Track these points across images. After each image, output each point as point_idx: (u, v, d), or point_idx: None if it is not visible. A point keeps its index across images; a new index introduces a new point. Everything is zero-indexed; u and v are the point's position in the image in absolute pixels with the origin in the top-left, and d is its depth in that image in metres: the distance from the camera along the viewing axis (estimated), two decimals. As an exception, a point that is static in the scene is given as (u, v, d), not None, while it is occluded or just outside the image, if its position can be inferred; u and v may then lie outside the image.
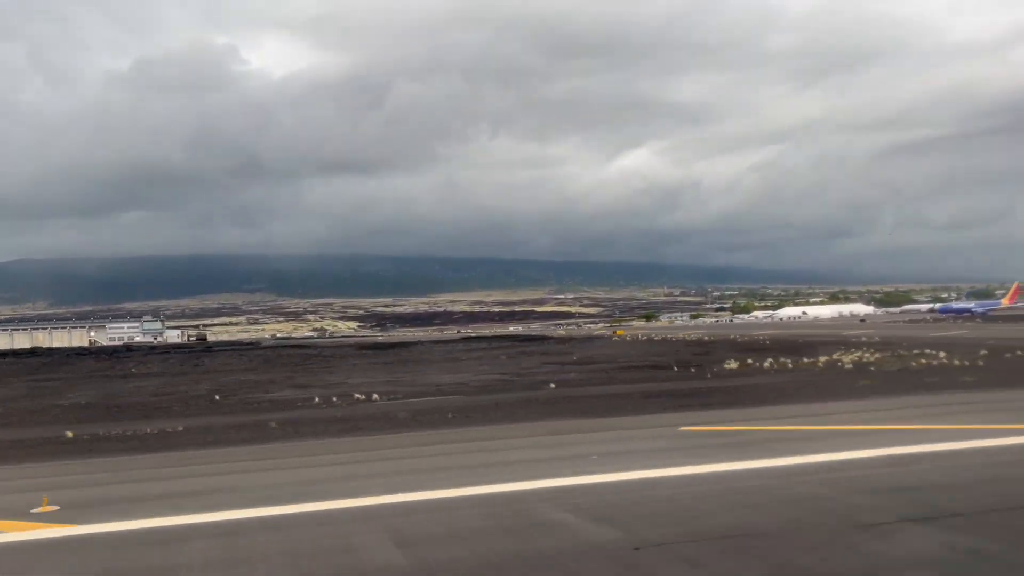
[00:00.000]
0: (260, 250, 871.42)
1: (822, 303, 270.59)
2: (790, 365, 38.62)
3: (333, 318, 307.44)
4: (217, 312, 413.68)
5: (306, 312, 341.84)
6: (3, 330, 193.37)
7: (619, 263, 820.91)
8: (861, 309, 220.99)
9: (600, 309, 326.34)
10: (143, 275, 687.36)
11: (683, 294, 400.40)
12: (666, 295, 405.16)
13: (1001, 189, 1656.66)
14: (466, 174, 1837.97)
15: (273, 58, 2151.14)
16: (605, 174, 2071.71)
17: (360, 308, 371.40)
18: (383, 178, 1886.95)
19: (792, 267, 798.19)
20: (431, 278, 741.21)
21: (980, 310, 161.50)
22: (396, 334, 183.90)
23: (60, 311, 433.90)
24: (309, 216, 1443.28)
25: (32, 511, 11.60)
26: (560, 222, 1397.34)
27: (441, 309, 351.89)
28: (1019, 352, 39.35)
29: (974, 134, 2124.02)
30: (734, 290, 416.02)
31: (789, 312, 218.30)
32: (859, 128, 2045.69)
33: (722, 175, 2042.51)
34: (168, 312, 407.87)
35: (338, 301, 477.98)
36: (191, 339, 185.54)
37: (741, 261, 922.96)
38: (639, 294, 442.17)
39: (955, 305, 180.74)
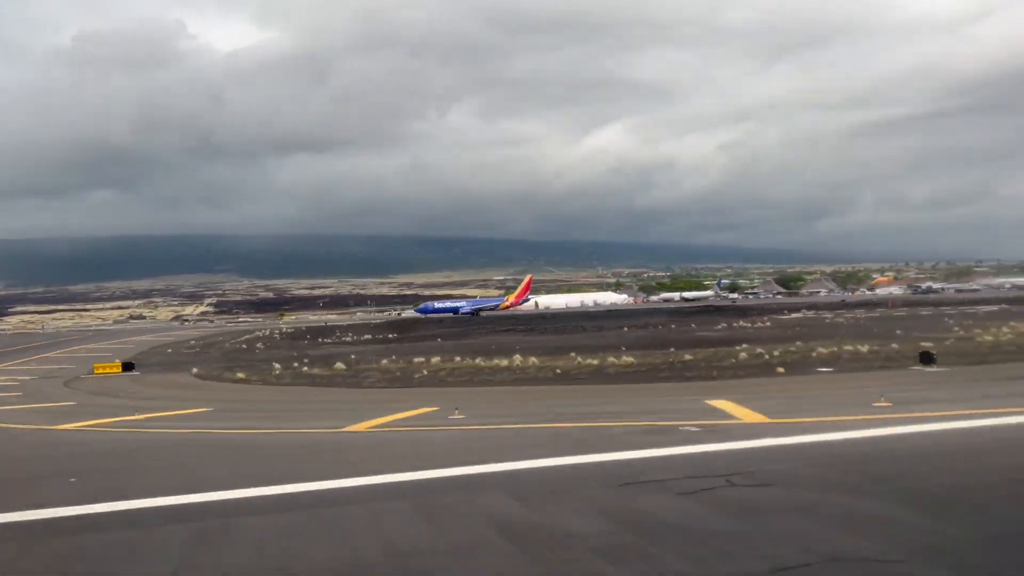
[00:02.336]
0: (236, 230, 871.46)
1: (566, 291, 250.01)
2: None
3: (220, 302, 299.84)
4: (147, 293, 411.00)
5: (209, 294, 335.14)
6: None
7: (600, 243, 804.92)
8: (611, 298, 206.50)
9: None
10: (109, 255, 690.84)
11: (614, 276, 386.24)
12: (597, 277, 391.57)
13: (983, 167, 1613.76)
14: (437, 153, 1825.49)
15: (222, 33, 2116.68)
16: (577, 153, 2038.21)
17: (273, 290, 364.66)
18: (355, 157, 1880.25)
19: (777, 247, 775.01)
20: (409, 258, 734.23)
21: (468, 309, 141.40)
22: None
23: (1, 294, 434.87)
24: (283, 196, 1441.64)
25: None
26: (536, 201, 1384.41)
27: (354, 292, 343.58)
28: None
29: (950, 113, 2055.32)
30: (662, 271, 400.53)
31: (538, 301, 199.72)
32: (832, 107, 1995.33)
33: (697, 154, 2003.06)
34: (97, 295, 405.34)
35: (281, 283, 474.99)
36: None
37: (726, 241, 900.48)
38: (579, 276, 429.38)
39: (438, 304, 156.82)
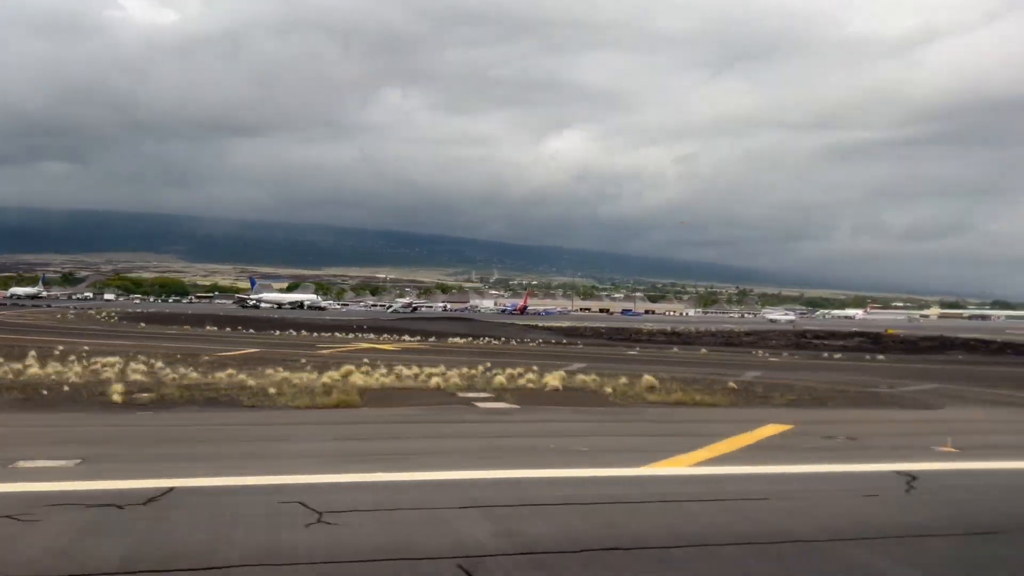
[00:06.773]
0: (201, 212, 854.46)
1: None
2: None
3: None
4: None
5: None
6: None
7: (579, 251, 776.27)
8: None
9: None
10: (57, 228, 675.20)
11: (498, 283, 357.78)
12: (473, 283, 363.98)
13: (960, 199, 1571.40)
14: (395, 146, 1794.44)
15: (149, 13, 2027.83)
16: (537, 157, 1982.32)
17: (171, 274, 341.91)
18: (315, 146, 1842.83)
19: (758, 267, 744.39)
20: (374, 252, 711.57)
21: None
22: None
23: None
24: (247, 181, 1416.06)
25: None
26: (500, 204, 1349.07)
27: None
28: None
29: (915, 141, 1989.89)
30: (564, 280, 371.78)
31: None
32: (792, 126, 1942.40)
33: (662, 166, 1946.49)
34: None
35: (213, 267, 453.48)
36: None
37: (709, 257, 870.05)
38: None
39: None
